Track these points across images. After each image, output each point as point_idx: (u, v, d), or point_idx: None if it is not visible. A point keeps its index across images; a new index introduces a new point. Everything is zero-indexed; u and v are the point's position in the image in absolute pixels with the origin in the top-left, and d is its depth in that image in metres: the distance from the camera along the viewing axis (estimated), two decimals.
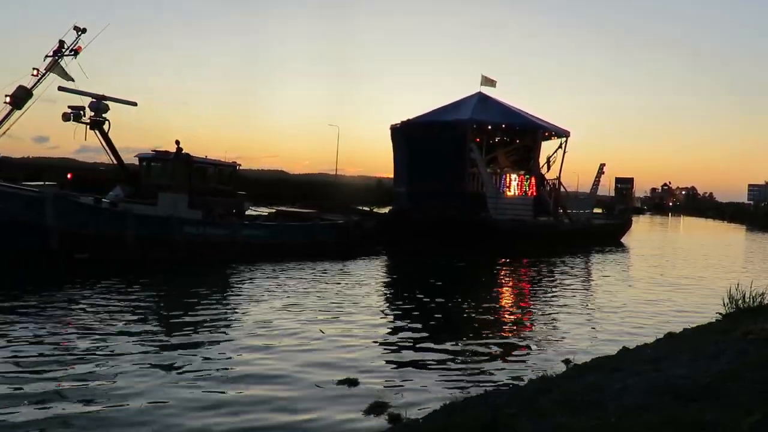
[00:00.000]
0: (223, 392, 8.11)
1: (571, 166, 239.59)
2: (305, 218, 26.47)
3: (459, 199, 31.47)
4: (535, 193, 35.05)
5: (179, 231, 19.91)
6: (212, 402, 7.73)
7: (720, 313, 10.02)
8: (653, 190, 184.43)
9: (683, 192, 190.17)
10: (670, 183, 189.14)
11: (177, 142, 21.77)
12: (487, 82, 37.48)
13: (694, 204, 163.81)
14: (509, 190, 34.23)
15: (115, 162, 21.97)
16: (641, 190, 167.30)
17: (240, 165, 24.46)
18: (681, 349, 6.66)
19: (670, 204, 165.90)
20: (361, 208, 32.85)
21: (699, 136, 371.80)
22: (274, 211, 28.94)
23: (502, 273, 23.21)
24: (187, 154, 21.82)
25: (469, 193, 32.59)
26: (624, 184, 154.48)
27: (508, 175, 34.68)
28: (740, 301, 9.99)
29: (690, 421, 3.71)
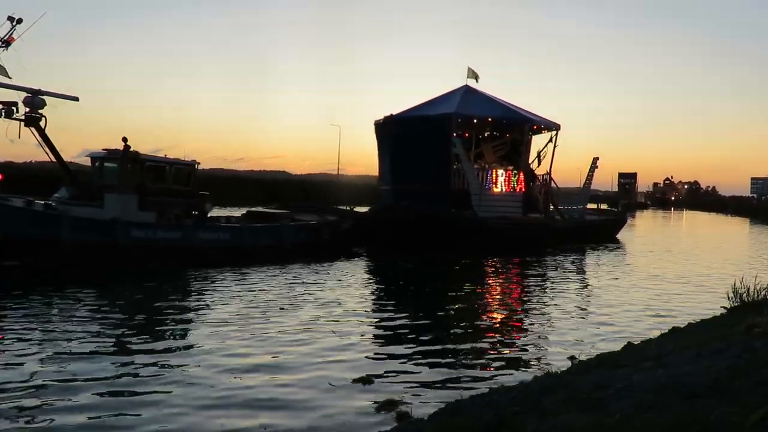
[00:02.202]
0: (234, 388, 8.21)
1: (572, 161, 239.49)
2: (274, 219, 24.98)
3: (443, 197, 30.39)
4: (524, 190, 33.79)
5: (125, 235, 18.54)
6: (223, 399, 7.83)
7: (724, 307, 9.99)
8: (655, 184, 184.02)
9: (686, 186, 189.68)
10: (672, 177, 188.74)
11: (124, 140, 20.40)
12: (474, 74, 36.26)
13: (697, 198, 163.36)
14: (496, 187, 32.98)
15: (54, 161, 20.29)
16: (644, 185, 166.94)
17: (199, 163, 22.93)
18: (685, 345, 6.62)
19: (673, 198, 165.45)
20: (340, 207, 31.27)
21: (702, 130, 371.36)
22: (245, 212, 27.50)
23: (493, 273, 22.58)
24: (136, 152, 20.45)
25: (454, 190, 31.45)
26: (627, 179, 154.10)
27: (494, 170, 33.44)
28: (745, 295, 9.95)
29: (695, 418, 3.68)
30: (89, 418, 7.09)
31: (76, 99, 20.45)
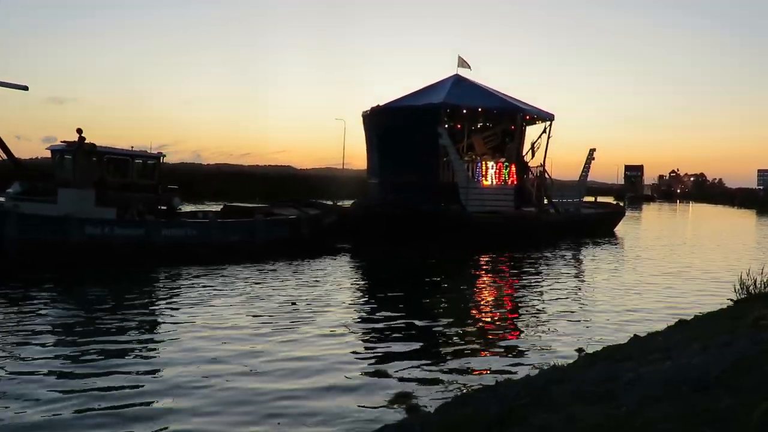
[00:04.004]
0: (252, 381, 8.41)
1: (577, 154, 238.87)
2: (248, 214, 23.57)
3: (432, 191, 29.34)
4: (515, 182, 32.61)
5: (78, 232, 17.35)
6: (242, 391, 7.99)
7: (731, 300, 9.98)
8: (661, 177, 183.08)
9: (692, 179, 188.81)
10: (678, 170, 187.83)
11: (79, 131, 19.11)
12: (464, 64, 35.20)
13: (703, 190, 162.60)
14: (486, 179, 31.70)
15: (4, 156, 19.12)
16: (649, 177, 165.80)
17: (165, 156, 21.67)
18: (692, 337, 6.62)
19: (678, 191, 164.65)
20: (323, 202, 29.62)
21: (708, 122, 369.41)
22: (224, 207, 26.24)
23: (488, 269, 21.85)
24: (92, 145, 19.35)
25: (443, 183, 30.24)
26: (633, 172, 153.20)
27: (484, 162, 32.20)
28: (751, 287, 9.93)
29: (703, 410, 3.69)
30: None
31: (25, 88, 19.05)
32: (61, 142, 20.01)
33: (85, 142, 19.24)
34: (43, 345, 9.84)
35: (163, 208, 20.82)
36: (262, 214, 23.60)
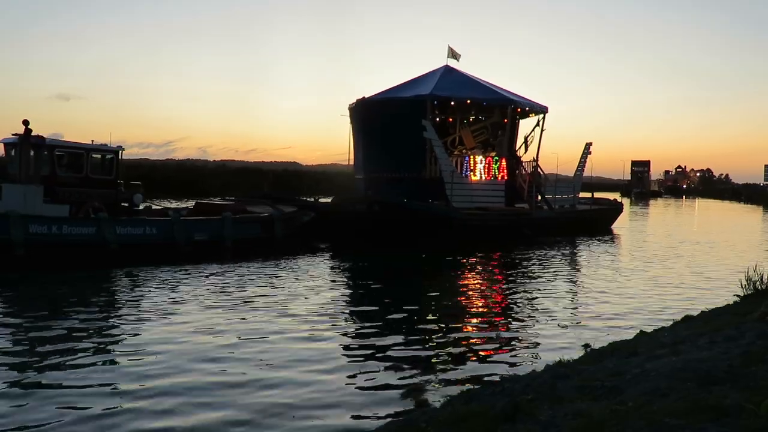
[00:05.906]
0: (253, 375, 8.40)
1: (580, 149, 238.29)
2: (217, 211, 21.99)
3: (418, 186, 28.17)
4: (506, 177, 31.06)
5: (20, 231, 16.00)
6: (242, 389, 7.98)
7: (738, 295, 9.97)
8: (667, 172, 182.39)
9: (698, 174, 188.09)
10: (685, 166, 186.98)
11: (25, 123, 17.96)
12: (453, 54, 33.81)
13: (710, 186, 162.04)
14: (474, 174, 30.15)
15: None
16: (655, 172, 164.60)
17: (124, 149, 20.07)
18: (699, 332, 6.62)
19: (684, 186, 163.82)
20: (303, 198, 28.05)
21: (715, 117, 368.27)
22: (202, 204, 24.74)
23: (483, 266, 20.96)
24: (40, 137, 18.11)
25: (430, 178, 28.78)
26: (640, 168, 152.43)
27: (472, 156, 30.67)
28: (758, 283, 9.92)
29: (710, 404, 3.70)
30: None
31: None
32: (12, 134, 18.63)
33: (32, 134, 18.10)
34: None
35: (124, 205, 19.69)
36: (230, 212, 21.84)
